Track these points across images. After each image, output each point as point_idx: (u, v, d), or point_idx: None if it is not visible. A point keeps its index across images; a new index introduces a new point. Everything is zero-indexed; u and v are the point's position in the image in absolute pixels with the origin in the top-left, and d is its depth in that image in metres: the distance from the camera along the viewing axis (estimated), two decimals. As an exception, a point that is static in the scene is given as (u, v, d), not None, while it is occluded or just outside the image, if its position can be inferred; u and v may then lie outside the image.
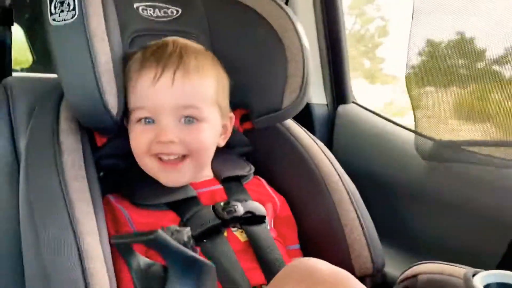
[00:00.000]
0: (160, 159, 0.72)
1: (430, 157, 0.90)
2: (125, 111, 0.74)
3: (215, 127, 0.76)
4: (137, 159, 0.74)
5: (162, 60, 0.71)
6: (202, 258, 0.44)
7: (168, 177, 0.73)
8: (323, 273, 0.52)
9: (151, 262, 0.45)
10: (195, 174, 0.75)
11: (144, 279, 0.44)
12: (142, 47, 0.76)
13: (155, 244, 0.41)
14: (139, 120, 0.72)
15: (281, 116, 0.86)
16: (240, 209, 0.73)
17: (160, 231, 0.41)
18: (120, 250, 0.44)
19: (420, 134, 0.90)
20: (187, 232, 0.44)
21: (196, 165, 0.74)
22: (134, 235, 0.44)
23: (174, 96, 0.70)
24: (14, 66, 1.01)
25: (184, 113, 0.71)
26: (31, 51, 1.38)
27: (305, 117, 1.04)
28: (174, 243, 0.41)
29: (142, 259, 0.45)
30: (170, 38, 0.77)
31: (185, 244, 0.42)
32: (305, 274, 0.52)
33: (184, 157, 0.73)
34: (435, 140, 0.88)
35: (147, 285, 0.43)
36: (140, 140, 0.72)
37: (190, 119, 0.72)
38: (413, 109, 0.89)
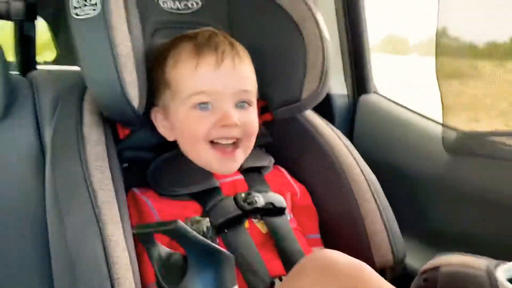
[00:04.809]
0: (214, 146, 0.73)
1: (455, 149, 0.88)
2: (148, 104, 0.74)
3: (256, 111, 0.78)
4: (190, 147, 0.75)
5: (219, 47, 0.73)
6: (220, 248, 0.45)
7: (223, 165, 0.75)
8: (341, 265, 0.52)
9: (172, 252, 0.46)
10: (243, 160, 0.77)
11: (165, 268, 0.45)
12: (176, 38, 0.77)
13: (174, 234, 0.42)
14: (195, 106, 0.72)
15: (301, 107, 0.85)
16: (260, 200, 0.74)
17: (179, 221, 0.42)
18: (141, 240, 0.45)
19: (446, 126, 0.88)
20: (206, 222, 0.45)
21: (246, 150, 0.77)
22: (154, 225, 0.45)
23: (236, 80, 0.73)
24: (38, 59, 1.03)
25: (241, 98, 0.74)
26: (55, 45, 1.41)
27: (325, 107, 1.03)
28: (193, 233, 0.42)
29: (162, 249, 0.46)
30: (205, 28, 0.78)
31: (204, 235, 0.43)
32: (323, 265, 0.52)
33: (235, 143, 0.74)
34: (459, 131, 0.87)
35: (168, 274, 0.44)
36: (200, 125, 0.72)
37: (243, 104, 0.75)
38: (441, 99, 0.87)
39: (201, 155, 0.75)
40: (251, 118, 0.76)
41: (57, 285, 0.67)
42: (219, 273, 0.43)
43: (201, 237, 0.43)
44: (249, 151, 0.78)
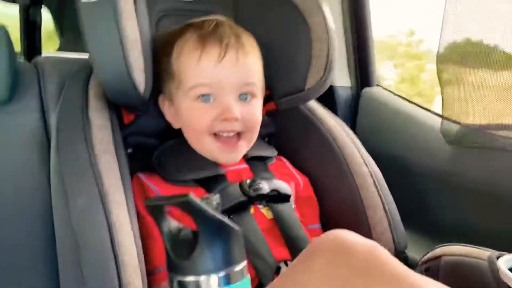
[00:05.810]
0: (217, 137, 0.73)
1: (456, 141, 0.89)
2: (155, 90, 0.74)
3: (261, 104, 0.78)
4: (194, 138, 0.76)
5: (224, 39, 0.72)
6: (231, 222, 0.45)
7: (226, 156, 0.75)
8: (355, 245, 0.50)
9: (182, 227, 0.46)
10: (247, 151, 0.77)
11: (175, 242, 0.45)
12: (182, 27, 0.77)
13: (187, 206, 0.42)
14: (197, 98, 0.72)
15: (304, 97, 0.85)
16: (265, 187, 0.74)
17: (192, 194, 0.42)
18: (152, 214, 0.46)
19: (447, 118, 0.89)
20: (216, 199, 0.45)
21: (249, 142, 0.77)
22: (166, 198, 0.45)
23: (238, 73, 0.73)
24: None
25: (243, 90, 0.74)
26: (58, 33, 1.40)
27: (328, 99, 1.03)
28: (205, 206, 0.42)
29: (173, 224, 0.46)
30: (212, 17, 0.78)
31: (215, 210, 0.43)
32: (336, 246, 0.51)
33: (239, 135, 0.75)
34: (461, 124, 0.87)
35: (178, 248, 0.45)
36: (202, 118, 0.73)
37: (246, 96, 0.75)
38: (442, 92, 0.87)
39: (204, 146, 0.75)
40: (253, 111, 0.76)
41: (61, 268, 0.67)
42: (229, 248, 0.44)
43: (213, 211, 0.43)
44: (253, 141, 0.78)
